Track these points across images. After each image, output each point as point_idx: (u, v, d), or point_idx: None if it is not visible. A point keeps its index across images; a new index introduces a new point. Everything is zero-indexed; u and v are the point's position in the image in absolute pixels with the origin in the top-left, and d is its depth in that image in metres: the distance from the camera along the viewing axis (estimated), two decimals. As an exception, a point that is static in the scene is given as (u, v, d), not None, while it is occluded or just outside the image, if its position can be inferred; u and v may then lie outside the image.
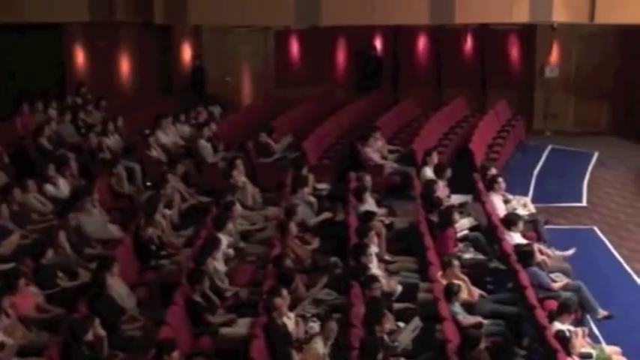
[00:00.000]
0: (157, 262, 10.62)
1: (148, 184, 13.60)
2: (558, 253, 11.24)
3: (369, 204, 12.20)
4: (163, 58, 20.35)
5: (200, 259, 9.80)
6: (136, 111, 17.86)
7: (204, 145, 15.16)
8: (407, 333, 8.65)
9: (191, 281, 9.12)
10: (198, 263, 9.70)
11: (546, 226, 12.41)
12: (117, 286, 9.20)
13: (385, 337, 8.31)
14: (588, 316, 9.87)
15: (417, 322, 8.76)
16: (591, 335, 9.36)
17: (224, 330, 8.86)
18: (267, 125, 16.28)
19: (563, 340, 8.19)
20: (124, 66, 19.77)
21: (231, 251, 10.75)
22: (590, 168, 17.44)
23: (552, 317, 8.71)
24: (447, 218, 11.29)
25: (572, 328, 8.66)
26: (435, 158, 13.97)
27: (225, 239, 10.67)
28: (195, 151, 15.10)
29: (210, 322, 8.97)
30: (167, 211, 11.80)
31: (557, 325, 8.52)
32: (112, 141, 14.94)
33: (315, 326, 8.74)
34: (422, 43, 22.00)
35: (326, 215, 12.32)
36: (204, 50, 20.18)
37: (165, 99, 19.27)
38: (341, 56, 22.15)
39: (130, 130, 16.07)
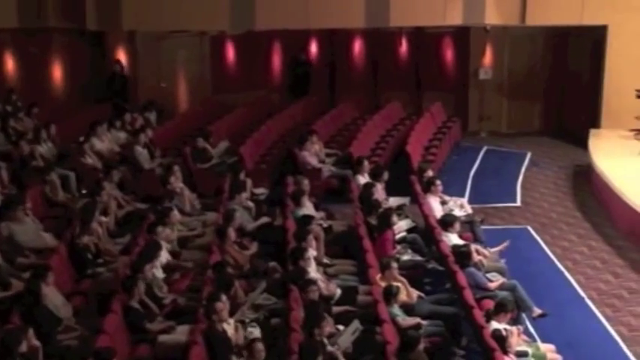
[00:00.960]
0: (94, 270, 10.45)
1: (84, 191, 13.39)
2: (494, 249, 11.39)
3: (307, 208, 12.22)
4: (97, 64, 20.07)
5: (137, 265, 9.68)
6: (70, 118, 17.58)
7: (141, 152, 15.01)
8: (347, 336, 8.65)
9: (126, 288, 9.01)
10: (135, 270, 9.59)
11: (482, 226, 12.58)
12: (52, 296, 9.04)
13: (325, 340, 8.31)
14: (524, 315, 10.01)
15: (356, 324, 8.78)
16: (527, 333, 9.51)
17: (162, 337, 8.77)
18: (204, 130, 16.19)
19: (500, 339, 8.30)
20: (57, 72, 19.45)
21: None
22: (523, 168, 17.75)
23: (489, 317, 8.81)
24: (385, 221, 11.35)
25: (508, 327, 8.78)
26: (366, 166, 14.00)
27: (163, 246, 10.60)
28: (132, 157, 14.94)
29: (149, 329, 8.88)
30: (103, 219, 11.64)
31: (494, 325, 8.63)
32: (45, 149, 14.68)
33: (255, 331, 8.72)
34: (357, 46, 22.12)
35: (264, 220, 12.29)
36: (139, 56, 19.95)
37: (99, 105, 19.00)
38: (276, 61, 22.14)
39: (63, 137, 15.82)
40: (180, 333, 8.79)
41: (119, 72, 19.70)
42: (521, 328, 9.07)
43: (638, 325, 10.35)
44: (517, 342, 8.62)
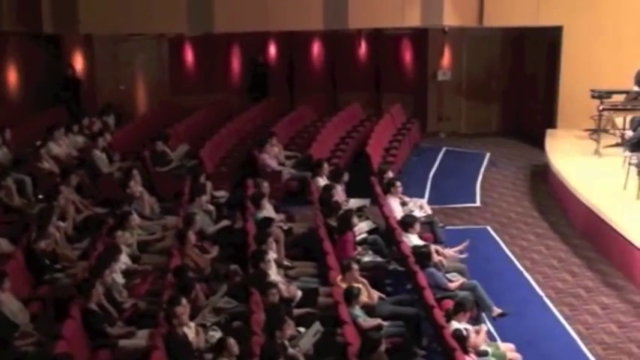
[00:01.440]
0: (52, 276, 10.35)
1: (40, 196, 13.25)
2: (454, 249, 11.46)
3: (267, 210, 12.20)
4: (53, 67, 19.84)
5: (96, 270, 9.58)
6: (25, 122, 17.36)
7: (99, 156, 14.89)
8: (308, 337, 8.65)
9: (83, 290, 8.91)
10: (94, 274, 9.49)
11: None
12: (8, 302, 8.93)
13: (286, 342, 8.30)
14: (484, 314, 10.09)
15: (317, 326, 8.78)
16: (487, 333, 9.57)
17: (123, 342, 8.70)
18: (163, 133, 16.12)
19: (460, 338, 8.35)
20: (12, 76, 19.13)
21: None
22: (482, 169, 17.90)
23: (449, 317, 8.86)
24: (345, 222, 11.36)
25: (469, 326, 8.85)
26: (326, 168, 14.03)
27: (123, 250, 10.53)
28: (90, 161, 14.81)
29: (109, 333, 8.79)
30: (61, 224, 11.52)
31: (455, 325, 8.68)
32: (0, 154, 14.52)
33: (216, 335, 8.68)
34: (316, 48, 22.17)
35: (224, 223, 12.25)
36: (97, 59, 19.78)
37: (54, 110, 18.80)
38: (235, 63, 22.11)
39: (20, 141, 15.63)
40: (141, 337, 8.73)
41: (71, 76, 19.52)
42: (484, 327, 9.13)
43: (595, 323, 10.48)
44: (482, 340, 8.70)
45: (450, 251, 11.35)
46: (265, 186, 12.82)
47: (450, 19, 18.23)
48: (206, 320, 9.05)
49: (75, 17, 17.33)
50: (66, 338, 8.10)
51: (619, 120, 16.32)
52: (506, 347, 8.99)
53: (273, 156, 15.53)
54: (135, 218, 11.54)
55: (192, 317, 8.76)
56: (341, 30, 19.86)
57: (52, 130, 15.31)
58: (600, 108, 15.98)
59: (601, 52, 17.86)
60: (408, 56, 21.74)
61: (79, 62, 19.89)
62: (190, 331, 8.53)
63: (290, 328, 8.51)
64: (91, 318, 8.77)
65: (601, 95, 16.00)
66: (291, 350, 8.27)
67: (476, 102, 21.30)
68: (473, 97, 21.30)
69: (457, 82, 21.21)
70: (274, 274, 9.92)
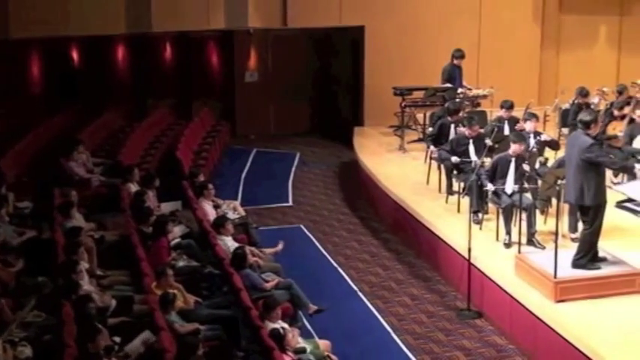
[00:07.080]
0: None
1: None
2: (269, 251, 11.55)
3: (77, 219, 11.89)
4: None
5: None
6: None
7: None
8: (137, 343, 8.54)
9: None
10: None
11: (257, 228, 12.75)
12: None
13: (101, 352, 8.08)
14: (301, 312, 10.22)
15: (148, 334, 8.65)
16: (304, 330, 9.72)
17: None
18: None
19: (278, 337, 8.41)
20: None
21: None
22: (293, 168, 18.13)
23: (263, 317, 8.90)
24: (160, 228, 11.21)
25: (286, 325, 8.93)
26: (136, 174, 13.80)
27: None
28: None
29: None
30: None
31: (270, 325, 8.73)
32: None
33: (25, 350, 8.33)
34: (121, 53, 21.65)
35: (30, 234, 11.78)
36: None
37: None
38: (35, 69, 21.22)
39: None
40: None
41: None
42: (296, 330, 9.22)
43: (406, 314, 10.86)
44: (295, 342, 8.79)
45: (264, 252, 11.43)
46: (73, 194, 12.51)
47: (255, 20, 18.34)
48: (14, 336, 8.68)
49: None
50: None
51: (420, 116, 16.99)
52: (323, 343, 9.14)
53: (80, 163, 15.11)
54: None
55: (-2, 334, 8.37)
56: (145, 33, 19.52)
57: None
58: (402, 105, 16.56)
59: (402, 51, 18.52)
60: (214, 59, 21.67)
61: None
62: (-4, 349, 8.15)
63: (104, 339, 8.30)
64: None
65: (402, 92, 16.56)
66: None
67: (284, 102, 21.51)
68: (281, 98, 21.50)
69: (265, 83, 21.34)
70: (87, 284, 9.66)
